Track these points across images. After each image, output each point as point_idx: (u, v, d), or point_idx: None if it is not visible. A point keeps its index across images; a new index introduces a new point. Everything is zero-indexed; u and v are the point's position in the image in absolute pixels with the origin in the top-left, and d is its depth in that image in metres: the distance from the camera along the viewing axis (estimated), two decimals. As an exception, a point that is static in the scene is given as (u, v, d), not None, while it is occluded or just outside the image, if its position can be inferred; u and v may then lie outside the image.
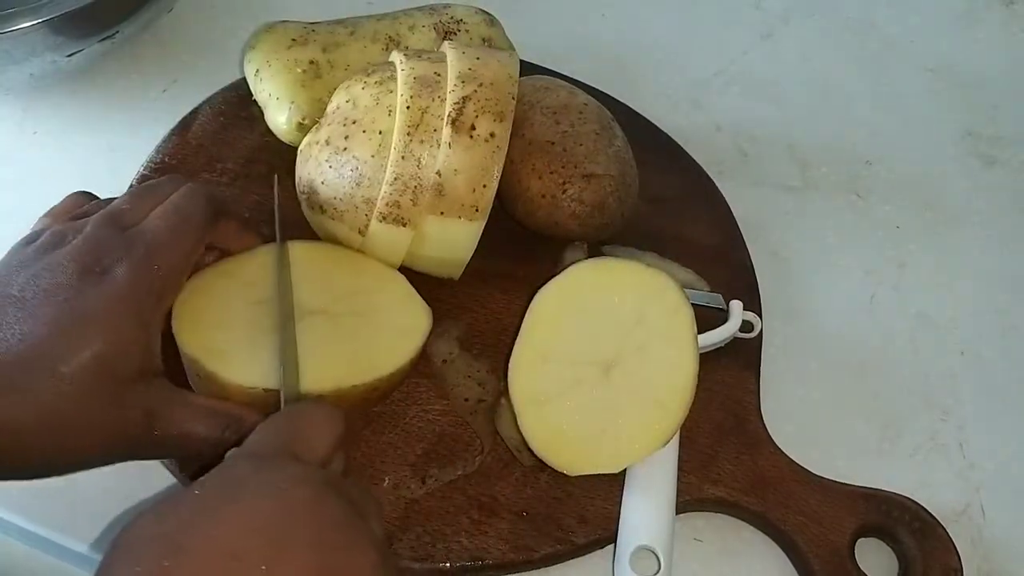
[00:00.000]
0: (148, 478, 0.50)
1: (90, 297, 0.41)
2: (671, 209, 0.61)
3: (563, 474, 0.48)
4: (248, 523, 0.32)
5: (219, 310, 0.48)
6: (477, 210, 0.49)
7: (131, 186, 0.58)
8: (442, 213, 0.49)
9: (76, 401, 0.40)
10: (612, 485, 0.49)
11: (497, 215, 0.51)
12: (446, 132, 0.48)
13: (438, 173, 0.48)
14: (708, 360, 0.51)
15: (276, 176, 0.54)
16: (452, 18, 0.60)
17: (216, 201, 0.48)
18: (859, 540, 0.49)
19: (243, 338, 0.47)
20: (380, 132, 0.50)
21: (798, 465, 0.51)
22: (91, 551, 0.48)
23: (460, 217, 0.49)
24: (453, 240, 0.51)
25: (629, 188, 0.55)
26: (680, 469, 0.50)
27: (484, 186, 0.49)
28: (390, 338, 0.49)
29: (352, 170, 0.50)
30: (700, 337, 0.50)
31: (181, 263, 0.45)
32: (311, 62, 0.58)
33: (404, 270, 0.53)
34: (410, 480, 0.49)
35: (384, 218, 0.49)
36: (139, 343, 0.42)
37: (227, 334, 0.47)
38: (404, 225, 0.50)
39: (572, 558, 0.49)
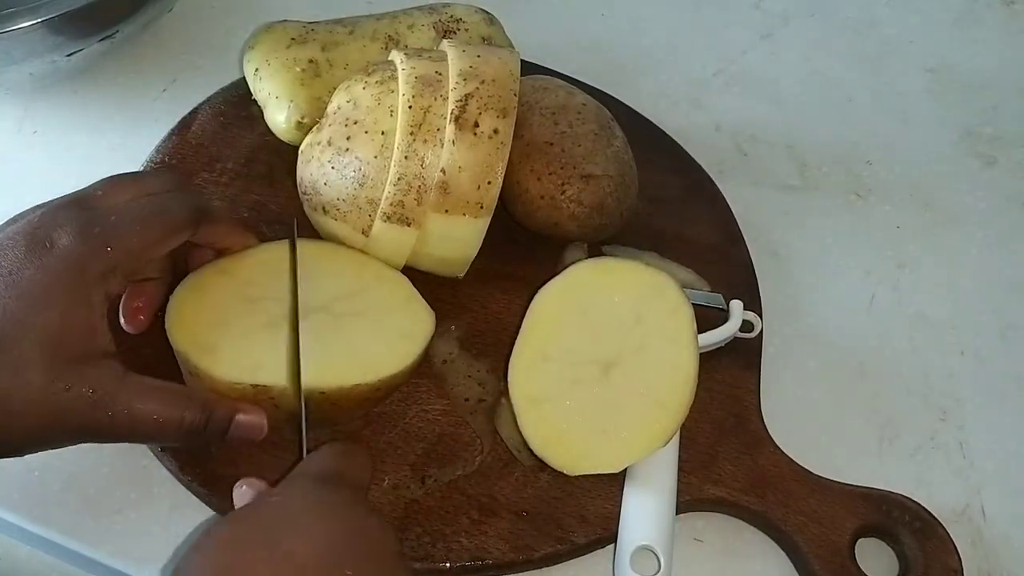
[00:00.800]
0: (150, 479, 0.50)
1: (32, 270, 0.41)
2: (671, 209, 0.61)
3: (563, 474, 0.48)
4: (315, 533, 0.36)
5: (213, 307, 0.48)
6: (482, 207, 0.49)
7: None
8: (447, 211, 0.49)
9: (14, 376, 0.40)
10: (612, 485, 0.49)
11: (497, 215, 0.51)
12: (449, 130, 0.48)
13: (442, 171, 0.48)
14: (708, 360, 0.52)
15: (295, 220, 0.54)
16: (451, 17, 0.60)
17: (201, 208, 0.47)
18: (859, 540, 0.49)
19: (234, 334, 0.47)
20: (383, 132, 0.50)
21: (798, 465, 0.51)
22: (92, 553, 0.48)
23: (465, 214, 0.49)
24: (458, 238, 0.51)
25: (628, 188, 0.55)
26: (680, 469, 0.50)
27: (489, 183, 0.49)
28: (393, 339, 0.49)
29: (355, 171, 0.50)
30: (700, 337, 0.50)
31: (139, 250, 0.44)
32: (310, 61, 0.58)
33: (408, 269, 0.53)
34: (410, 480, 0.49)
35: (388, 218, 0.49)
36: (80, 319, 0.42)
37: (218, 330, 0.47)
38: (408, 224, 0.50)
39: (572, 558, 0.49)
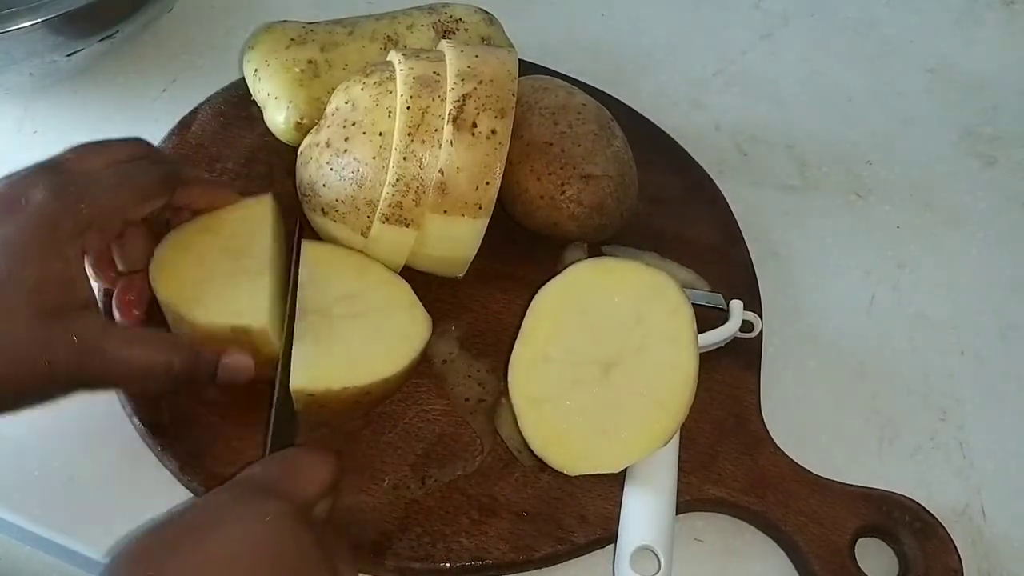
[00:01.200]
0: (150, 479, 0.49)
1: (8, 228, 0.42)
2: (671, 209, 0.61)
3: (563, 474, 0.48)
4: (218, 550, 0.35)
5: (195, 261, 0.49)
6: (480, 207, 0.49)
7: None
8: (445, 212, 0.49)
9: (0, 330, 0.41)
10: (612, 485, 0.49)
11: (497, 215, 0.51)
12: (447, 130, 0.48)
13: (440, 171, 0.48)
14: (708, 360, 0.52)
15: (299, 221, 0.54)
16: (451, 17, 0.60)
17: (173, 174, 0.48)
18: (859, 540, 0.49)
19: (215, 283, 0.48)
20: (380, 133, 0.50)
21: (798, 465, 0.51)
22: (92, 553, 0.48)
23: (463, 215, 0.49)
24: (457, 238, 0.51)
25: (628, 188, 0.55)
26: (680, 469, 0.50)
27: (487, 183, 0.49)
28: (387, 343, 0.49)
29: (353, 172, 0.50)
30: (700, 337, 0.50)
31: (111, 207, 0.45)
32: (309, 62, 0.58)
33: (407, 270, 0.53)
34: (410, 480, 0.49)
35: (387, 219, 0.49)
36: (56, 272, 0.42)
37: (201, 279, 0.48)
38: (407, 225, 0.50)
39: (572, 558, 0.49)
